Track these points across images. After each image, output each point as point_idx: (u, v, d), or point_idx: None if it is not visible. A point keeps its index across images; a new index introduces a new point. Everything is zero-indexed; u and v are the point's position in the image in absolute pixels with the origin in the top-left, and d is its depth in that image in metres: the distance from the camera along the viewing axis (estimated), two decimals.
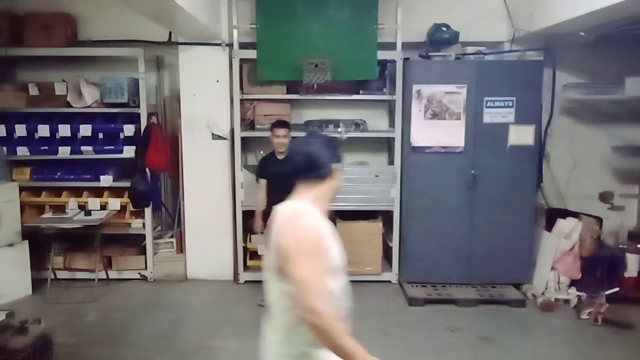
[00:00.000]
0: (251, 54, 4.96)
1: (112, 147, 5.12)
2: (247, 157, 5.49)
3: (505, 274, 5.00)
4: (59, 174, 5.19)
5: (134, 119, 5.10)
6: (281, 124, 4.50)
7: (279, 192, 4.15)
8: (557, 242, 4.86)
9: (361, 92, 5.17)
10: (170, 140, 5.33)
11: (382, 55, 4.96)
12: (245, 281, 5.18)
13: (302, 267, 1.57)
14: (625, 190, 5.51)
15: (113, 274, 5.22)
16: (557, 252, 4.84)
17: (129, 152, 5.08)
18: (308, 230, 1.65)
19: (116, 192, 5.21)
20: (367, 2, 4.92)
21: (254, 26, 4.98)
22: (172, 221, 5.58)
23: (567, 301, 4.70)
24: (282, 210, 1.73)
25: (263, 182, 4.52)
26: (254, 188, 4.72)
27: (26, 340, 3.24)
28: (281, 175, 4.18)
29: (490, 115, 4.85)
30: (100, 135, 5.15)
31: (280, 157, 4.41)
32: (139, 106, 5.05)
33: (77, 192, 5.22)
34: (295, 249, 1.60)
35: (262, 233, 4.28)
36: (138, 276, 5.26)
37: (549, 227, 5.04)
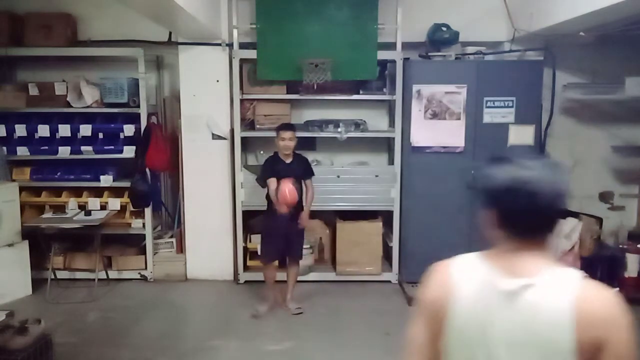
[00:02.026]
0: (251, 54, 4.96)
1: (112, 147, 5.12)
2: (247, 157, 5.49)
3: None
4: (59, 174, 5.18)
5: (134, 119, 5.10)
6: (287, 126, 4.38)
7: None
8: (557, 242, 4.85)
9: (361, 92, 5.16)
10: (170, 140, 5.32)
11: (382, 55, 4.96)
12: (245, 281, 5.17)
13: None
14: (625, 190, 5.51)
15: (113, 274, 5.22)
16: (557, 252, 4.84)
17: (129, 152, 5.08)
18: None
19: (116, 192, 5.20)
20: (367, 2, 4.91)
21: (254, 26, 4.97)
22: (172, 221, 5.58)
23: None
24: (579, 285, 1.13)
25: (273, 179, 4.22)
26: (256, 189, 4.66)
27: (26, 340, 3.24)
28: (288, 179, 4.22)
29: (490, 115, 4.85)
30: (100, 135, 5.14)
31: (287, 160, 4.31)
32: (139, 106, 5.05)
33: (77, 192, 5.22)
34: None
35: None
36: (138, 276, 5.26)
37: None
